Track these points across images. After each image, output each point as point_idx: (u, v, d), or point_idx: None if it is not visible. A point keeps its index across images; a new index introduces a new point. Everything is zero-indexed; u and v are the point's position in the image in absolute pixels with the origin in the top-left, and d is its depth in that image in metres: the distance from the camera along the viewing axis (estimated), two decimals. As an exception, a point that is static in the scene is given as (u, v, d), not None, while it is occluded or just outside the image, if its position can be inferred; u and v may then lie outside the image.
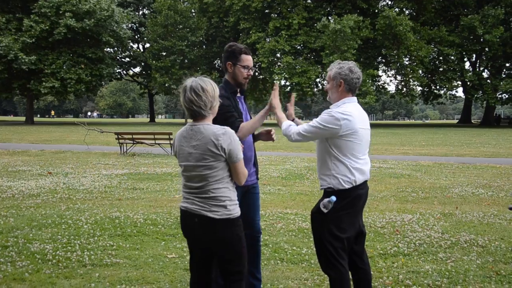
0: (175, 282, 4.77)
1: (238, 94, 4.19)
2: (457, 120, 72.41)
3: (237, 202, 3.36)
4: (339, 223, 3.64)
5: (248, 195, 4.09)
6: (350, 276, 3.81)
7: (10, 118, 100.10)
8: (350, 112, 3.63)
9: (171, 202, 8.71)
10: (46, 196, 9.24)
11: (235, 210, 3.30)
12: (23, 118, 65.68)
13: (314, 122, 3.63)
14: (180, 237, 6.19)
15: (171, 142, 3.56)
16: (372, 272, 5.02)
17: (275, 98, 3.89)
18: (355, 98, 3.79)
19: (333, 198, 3.61)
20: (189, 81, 3.25)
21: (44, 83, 48.02)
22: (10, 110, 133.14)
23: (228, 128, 3.25)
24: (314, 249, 3.88)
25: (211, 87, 3.26)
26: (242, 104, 4.19)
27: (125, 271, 5.04)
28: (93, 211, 7.87)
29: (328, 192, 3.67)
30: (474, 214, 7.81)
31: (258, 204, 4.25)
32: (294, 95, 3.92)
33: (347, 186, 3.62)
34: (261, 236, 4.50)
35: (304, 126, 3.68)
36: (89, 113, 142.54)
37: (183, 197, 3.37)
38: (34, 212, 7.75)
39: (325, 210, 3.63)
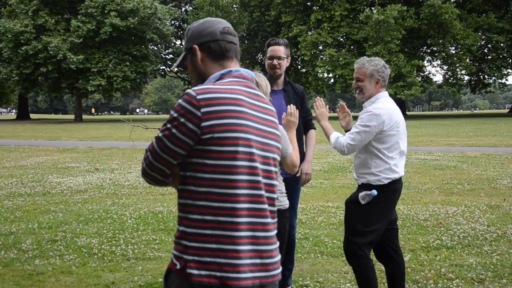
0: (215, 275, 4.84)
1: (275, 88, 4.23)
2: (508, 110, 70.17)
3: (286, 194, 3.41)
4: (371, 215, 3.70)
5: None
6: (383, 268, 3.85)
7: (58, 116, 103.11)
8: (388, 106, 3.74)
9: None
10: (93, 192, 9.51)
11: (285, 202, 3.37)
12: (72, 116, 67.60)
13: (358, 127, 3.66)
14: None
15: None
16: (413, 265, 4.98)
17: (319, 109, 3.86)
18: (387, 92, 3.86)
19: (374, 192, 3.68)
20: None
21: (91, 82, 49.22)
22: (60, 108, 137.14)
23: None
24: None
25: (264, 83, 3.31)
26: (278, 98, 4.20)
27: (167, 265, 5.14)
28: (137, 206, 8.05)
29: (365, 186, 3.71)
30: (522, 206, 7.59)
31: (294, 200, 4.27)
32: (342, 103, 3.89)
33: (385, 182, 3.70)
34: (295, 230, 4.54)
35: (350, 135, 3.68)
36: (138, 110, 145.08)
37: None
38: (82, 208, 8.00)
39: (362, 202, 3.70)
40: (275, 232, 1.97)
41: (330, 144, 3.78)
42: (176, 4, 69.22)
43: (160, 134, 1.89)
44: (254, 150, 1.85)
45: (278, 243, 1.99)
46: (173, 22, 67.69)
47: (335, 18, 49.16)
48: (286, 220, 3.40)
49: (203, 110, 1.80)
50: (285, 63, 4.23)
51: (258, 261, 1.86)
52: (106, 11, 48.13)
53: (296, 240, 5.81)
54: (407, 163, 13.27)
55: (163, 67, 69.73)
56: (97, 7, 47.91)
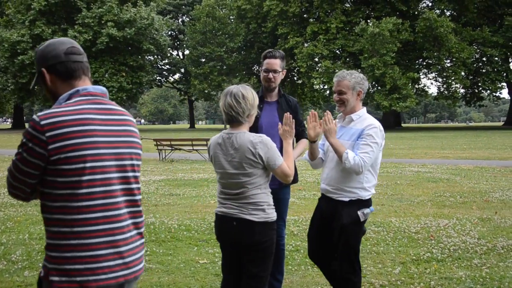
0: (205, 287, 4.84)
1: (269, 99, 4.27)
2: (503, 123, 70.46)
3: (274, 207, 3.42)
4: (362, 231, 3.85)
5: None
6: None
7: None
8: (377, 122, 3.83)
9: (206, 208, 8.81)
10: (86, 202, 9.48)
11: (273, 214, 3.37)
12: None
13: (371, 145, 3.65)
14: (212, 243, 6.26)
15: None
16: (403, 278, 4.99)
17: (327, 124, 3.71)
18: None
19: (372, 208, 3.84)
20: (232, 87, 3.35)
21: (87, 92, 49.26)
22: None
23: (264, 136, 3.31)
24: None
25: (251, 96, 3.32)
26: (271, 110, 4.24)
27: (157, 276, 5.14)
28: (130, 217, 8.03)
29: (355, 202, 3.76)
30: (513, 220, 7.61)
31: (282, 210, 4.27)
32: (314, 112, 3.86)
33: (370, 197, 3.83)
34: (284, 239, 4.55)
35: (365, 153, 3.62)
36: (135, 120, 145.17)
37: (219, 203, 3.43)
38: (73, 218, 7.97)
39: (362, 219, 3.78)
40: (136, 231, 2.16)
41: (342, 162, 3.63)
42: (173, 15, 69.52)
43: (14, 158, 2.02)
44: (107, 163, 2.02)
45: (141, 240, 2.19)
46: (170, 32, 67.87)
47: (331, 31, 49.43)
48: (274, 232, 3.40)
49: (47, 134, 1.94)
50: (280, 76, 4.27)
51: (119, 261, 2.05)
52: (103, 22, 48.28)
53: (287, 252, 5.84)
54: (401, 175, 13.32)
55: (159, 78, 69.84)
56: (94, 17, 48.07)
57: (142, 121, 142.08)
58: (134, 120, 2.24)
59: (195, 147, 18.64)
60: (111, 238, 2.03)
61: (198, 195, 10.34)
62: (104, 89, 2.16)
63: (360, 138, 3.69)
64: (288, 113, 3.57)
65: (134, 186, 2.14)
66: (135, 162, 2.15)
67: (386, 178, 12.61)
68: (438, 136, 37.89)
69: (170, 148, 19.09)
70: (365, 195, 3.76)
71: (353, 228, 3.77)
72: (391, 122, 56.34)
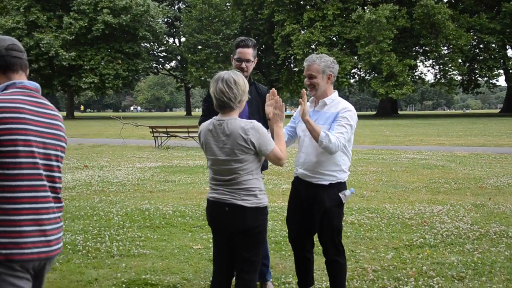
0: (199, 272, 4.86)
1: None
2: (500, 110, 70.60)
3: (265, 192, 3.42)
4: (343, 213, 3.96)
5: None
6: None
7: None
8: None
9: (201, 194, 8.82)
10: (81, 189, 9.50)
11: (264, 199, 3.38)
12: (64, 113, 67.35)
13: (345, 126, 3.70)
14: (206, 229, 6.28)
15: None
16: (396, 263, 5.03)
17: (303, 105, 3.68)
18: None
19: (353, 189, 3.90)
20: (222, 73, 3.32)
21: (83, 79, 49.09)
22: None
23: (255, 122, 3.30)
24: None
25: (242, 82, 3.32)
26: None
27: (151, 262, 5.17)
28: (125, 203, 8.05)
29: (335, 185, 3.82)
30: (507, 205, 7.66)
31: None
32: (305, 91, 3.83)
33: (347, 176, 3.93)
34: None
35: (340, 134, 3.66)
36: (132, 108, 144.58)
37: (211, 189, 3.43)
38: (69, 204, 7.98)
39: (344, 201, 3.86)
40: (59, 214, 2.35)
41: (318, 141, 3.63)
42: (169, 2, 69.12)
43: None
44: (35, 149, 2.21)
45: (61, 223, 2.36)
46: (166, 19, 67.52)
47: (328, 17, 49.29)
48: (266, 217, 3.42)
49: None
50: (252, 65, 4.23)
51: (43, 239, 2.22)
52: (98, 8, 48.05)
53: (281, 238, 5.87)
54: (396, 162, 13.35)
55: (156, 65, 69.62)
56: (89, 4, 47.82)
57: (139, 108, 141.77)
58: (61, 117, 2.44)
59: (190, 134, 18.61)
60: (36, 217, 2.21)
61: (193, 182, 10.35)
62: (38, 85, 2.40)
63: (335, 120, 3.73)
64: (278, 97, 3.56)
65: (56, 174, 2.34)
66: (59, 153, 2.36)
67: (382, 165, 12.63)
68: (434, 123, 37.94)
69: (166, 135, 19.08)
70: (343, 177, 3.84)
71: (336, 210, 3.83)
72: (388, 109, 56.39)
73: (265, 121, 3.95)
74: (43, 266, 2.32)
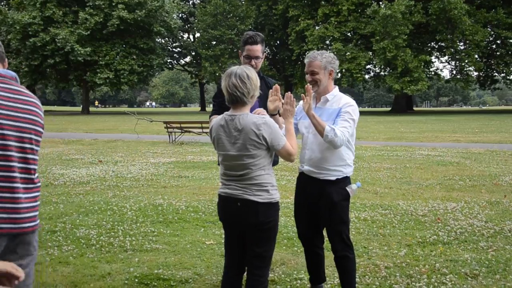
0: (211, 268, 4.88)
1: None
2: (516, 106, 69.73)
3: (277, 188, 3.43)
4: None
5: None
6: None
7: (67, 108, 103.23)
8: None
9: (214, 190, 8.84)
10: (95, 184, 9.57)
11: (276, 195, 3.38)
12: (79, 108, 67.85)
13: (349, 120, 3.74)
14: (219, 224, 6.29)
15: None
16: (408, 260, 5.01)
17: (308, 100, 3.67)
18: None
19: (359, 183, 3.94)
20: (235, 68, 3.32)
21: (99, 74, 49.41)
22: (68, 100, 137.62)
23: (267, 117, 3.30)
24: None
25: (255, 77, 3.32)
26: None
27: (164, 257, 5.20)
28: (138, 198, 8.10)
29: (341, 180, 3.86)
30: (522, 203, 7.58)
31: None
32: (309, 86, 3.81)
33: (352, 170, 3.99)
34: None
35: (344, 129, 3.69)
36: (148, 103, 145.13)
37: (222, 184, 3.44)
38: (83, 199, 8.06)
39: (352, 195, 3.90)
40: (28, 195, 2.44)
41: (323, 135, 3.64)
42: (184, -3, 69.27)
43: None
44: (6, 132, 2.33)
45: (29, 204, 2.44)
46: (180, 15, 67.64)
47: (343, 13, 49.00)
48: (277, 212, 3.42)
49: None
50: (261, 61, 4.20)
51: (5, 215, 2.33)
52: (113, 4, 48.25)
53: (293, 234, 5.87)
54: (410, 158, 13.27)
55: (170, 60, 69.83)
56: (104, -1, 48.05)
57: (154, 103, 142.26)
58: (40, 104, 2.59)
59: (204, 130, 18.65)
60: (5, 195, 2.33)
61: (207, 177, 10.38)
62: (14, 74, 2.52)
63: (338, 115, 3.75)
64: (289, 92, 3.55)
65: (30, 156, 2.45)
66: (33, 136, 2.47)
67: (396, 161, 12.57)
68: (450, 119, 37.61)
69: (180, 131, 19.14)
70: (349, 171, 3.89)
71: (344, 204, 3.87)
72: (403, 105, 55.98)
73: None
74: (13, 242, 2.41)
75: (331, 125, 3.66)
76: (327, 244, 4.20)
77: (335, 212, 3.84)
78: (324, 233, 4.11)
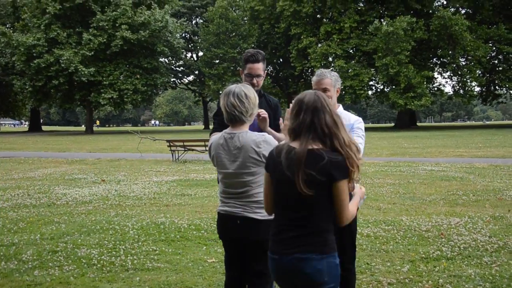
0: (212, 286, 4.85)
1: None
2: (520, 121, 69.65)
3: None
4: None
5: None
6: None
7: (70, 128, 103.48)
8: None
9: (216, 208, 8.81)
10: (98, 203, 9.56)
11: None
12: (83, 128, 68.10)
13: (362, 137, 3.86)
14: (221, 242, 6.26)
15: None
16: (411, 276, 4.96)
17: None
18: None
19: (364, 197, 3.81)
20: (233, 87, 3.34)
21: (103, 95, 49.65)
22: (73, 120, 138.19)
23: (266, 135, 3.32)
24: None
25: (253, 95, 3.34)
26: None
27: (165, 275, 5.17)
28: (140, 217, 8.09)
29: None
30: (526, 217, 7.52)
31: None
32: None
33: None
34: None
35: (360, 145, 3.70)
36: (152, 122, 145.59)
37: (221, 202, 3.44)
38: (85, 219, 8.04)
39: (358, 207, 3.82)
40: None
41: None
42: (187, 18, 69.84)
43: None
44: None
45: None
46: (183, 34, 68.13)
47: (345, 30, 49.27)
48: None
49: None
50: (263, 79, 4.19)
51: None
52: (117, 25, 48.65)
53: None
54: (414, 174, 13.22)
55: (174, 79, 70.18)
56: (108, 20, 48.45)
57: (157, 122, 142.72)
58: None
59: (207, 148, 18.67)
60: None
61: (210, 195, 10.36)
62: None
63: (352, 132, 3.80)
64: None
65: None
66: None
67: (399, 177, 12.52)
68: (453, 135, 37.54)
69: (183, 149, 19.17)
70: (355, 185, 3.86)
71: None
72: (406, 121, 55.97)
73: (278, 131, 3.95)
74: None
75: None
76: None
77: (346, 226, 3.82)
78: None
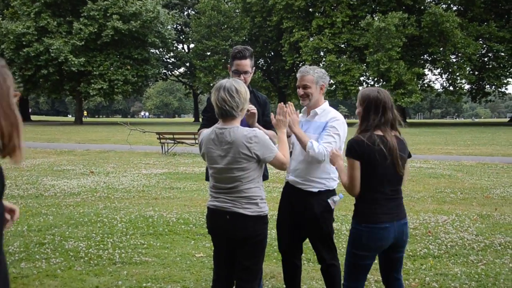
0: (200, 281, 4.85)
1: None
2: (509, 119, 70.19)
3: (266, 201, 3.43)
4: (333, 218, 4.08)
5: None
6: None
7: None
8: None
9: (205, 202, 8.72)
10: (86, 195, 9.52)
11: (265, 208, 3.39)
12: (72, 119, 67.68)
13: (334, 136, 3.82)
14: (209, 236, 6.24)
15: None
16: (398, 274, 4.98)
17: (290, 115, 3.70)
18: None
19: (341, 195, 3.97)
20: (224, 82, 3.33)
21: (92, 85, 49.32)
22: (62, 110, 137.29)
23: (257, 130, 3.32)
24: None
25: (244, 90, 3.33)
26: None
27: (153, 269, 5.16)
28: (129, 210, 8.06)
29: (323, 192, 3.92)
30: (513, 216, 7.59)
31: None
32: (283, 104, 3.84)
33: (336, 184, 4.00)
34: None
35: (327, 143, 3.76)
36: (142, 113, 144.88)
37: (211, 197, 3.44)
38: (73, 211, 8.00)
39: (333, 207, 3.95)
40: None
41: (306, 151, 3.77)
42: (178, 9, 69.46)
43: None
44: None
45: None
46: (175, 26, 67.76)
47: (337, 25, 49.30)
48: (266, 226, 3.42)
49: None
50: (251, 76, 4.17)
51: None
52: (108, 14, 48.26)
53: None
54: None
55: (165, 71, 69.85)
56: (99, 10, 48.04)
57: (147, 114, 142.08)
58: None
59: (197, 141, 18.63)
60: None
61: (199, 189, 10.35)
62: None
63: (324, 130, 3.84)
64: (282, 103, 3.58)
65: None
66: None
67: (388, 174, 12.56)
68: (442, 132, 37.76)
69: (173, 142, 19.11)
70: (332, 185, 3.95)
71: (326, 216, 3.92)
72: (396, 117, 56.14)
73: (267, 128, 3.95)
74: None
75: (312, 141, 3.76)
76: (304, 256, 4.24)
77: (317, 224, 3.91)
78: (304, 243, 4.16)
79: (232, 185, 3.30)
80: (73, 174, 12.77)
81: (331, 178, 3.93)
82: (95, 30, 48.05)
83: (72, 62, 46.93)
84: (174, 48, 66.59)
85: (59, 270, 5.10)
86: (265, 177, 3.90)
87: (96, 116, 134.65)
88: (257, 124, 3.75)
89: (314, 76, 3.88)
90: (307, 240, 4.10)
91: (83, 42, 47.84)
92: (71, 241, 6.11)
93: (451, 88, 51.86)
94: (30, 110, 74.11)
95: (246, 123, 3.79)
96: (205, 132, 3.46)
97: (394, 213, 3.31)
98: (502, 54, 49.85)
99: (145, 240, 6.24)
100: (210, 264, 5.25)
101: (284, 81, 58.94)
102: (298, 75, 3.96)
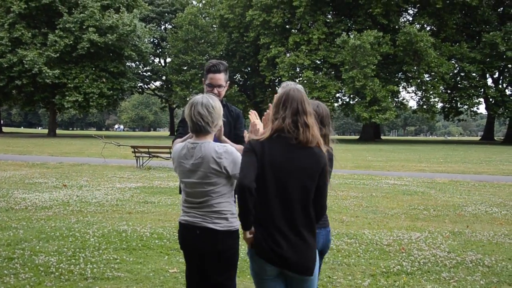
0: (173, 297, 4.79)
1: None
2: (480, 137, 71.47)
3: (237, 216, 3.41)
4: None
5: None
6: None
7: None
8: None
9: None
10: (58, 209, 9.36)
11: (236, 223, 3.37)
12: (46, 131, 66.71)
13: None
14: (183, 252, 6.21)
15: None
16: (372, 291, 5.00)
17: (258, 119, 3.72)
18: None
19: None
20: (199, 97, 3.34)
21: (67, 97, 48.77)
22: (35, 122, 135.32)
23: (228, 146, 3.33)
24: None
25: (218, 106, 3.35)
26: None
27: (126, 285, 5.08)
28: (102, 224, 7.94)
29: None
30: (484, 233, 7.70)
31: None
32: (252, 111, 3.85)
33: None
34: None
35: None
36: (116, 127, 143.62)
37: (183, 211, 3.42)
38: (44, 225, 7.85)
39: None
40: None
41: None
42: (156, 23, 69.39)
43: None
44: None
45: None
46: (152, 39, 67.65)
47: (313, 42, 49.81)
48: (237, 241, 3.40)
49: None
50: (224, 90, 4.19)
51: None
52: (84, 27, 47.92)
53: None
54: (377, 187, 13.39)
55: (141, 84, 69.56)
56: (75, 22, 47.68)
57: (122, 127, 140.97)
58: None
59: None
60: None
61: (173, 203, 10.26)
62: None
63: None
64: (254, 121, 3.57)
65: None
66: None
67: (362, 190, 12.67)
68: (416, 149, 38.26)
69: (148, 155, 18.97)
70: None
71: None
72: (371, 134, 56.80)
73: (237, 141, 3.93)
74: None
75: None
76: None
77: None
78: None
79: (203, 199, 3.30)
80: (45, 187, 12.55)
81: None
82: (71, 42, 47.64)
83: (47, 74, 46.38)
84: (151, 61, 66.42)
85: (28, 286, 4.98)
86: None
87: (70, 129, 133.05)
88: (224, 138, 3.71)
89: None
90: None
91: (58, 54, 47.36)
92: (42, 256, 5.99)
93: (424, 106, 52.68)
94: (1, 121, 72.80)
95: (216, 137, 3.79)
96: (178, 146, 3.46)
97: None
98: (474, 74, 50.95)
99: (118, 255, 6.15)
100: (184, 280, 5.18)
101: (260, 96, 59.18)
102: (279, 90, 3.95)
